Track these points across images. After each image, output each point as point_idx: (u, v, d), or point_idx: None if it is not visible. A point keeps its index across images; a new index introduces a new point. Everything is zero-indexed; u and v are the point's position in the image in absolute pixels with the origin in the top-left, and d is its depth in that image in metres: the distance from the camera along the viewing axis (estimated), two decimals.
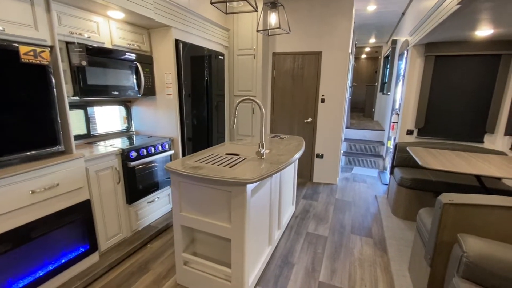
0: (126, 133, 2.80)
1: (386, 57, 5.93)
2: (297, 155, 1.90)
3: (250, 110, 3.53)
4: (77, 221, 1.79)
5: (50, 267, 1.65)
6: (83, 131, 2.40)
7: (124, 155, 2.12)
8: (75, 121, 2.33)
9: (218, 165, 1.60)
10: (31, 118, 1.53)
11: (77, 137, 2.33)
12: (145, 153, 2.29)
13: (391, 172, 3.14)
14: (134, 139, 2.54)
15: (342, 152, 4.26)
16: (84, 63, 1.89)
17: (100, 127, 2.60)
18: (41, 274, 1.59)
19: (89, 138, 2.43)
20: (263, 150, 1.74)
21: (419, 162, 2.10)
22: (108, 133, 2.62)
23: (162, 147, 2.50)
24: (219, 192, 1.51)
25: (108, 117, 2.70)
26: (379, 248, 2.23)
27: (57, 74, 1.67)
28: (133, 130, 2.88)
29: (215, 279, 1.64)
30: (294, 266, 1.99)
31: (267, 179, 1.82)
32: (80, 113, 2.37)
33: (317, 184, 3.76)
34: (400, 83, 3.89)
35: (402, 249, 2.19)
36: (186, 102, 2.74)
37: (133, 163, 2.17)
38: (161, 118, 2.71)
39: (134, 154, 2.19)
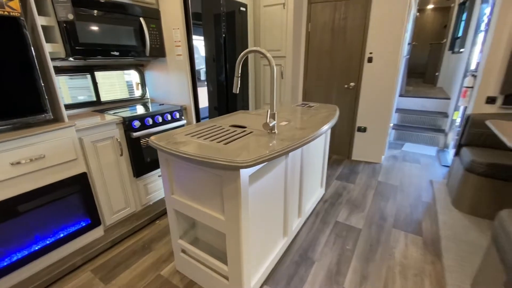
0: (140, 100, 2.59)
1: (463, 3, 4.61)
2: (324, 128, 1.43)
3: (278, 74, 3.03)
4: (74, 195, 1.66)
5: (47, 242, 1.57)
6: (91, 97, 2.24)
7: (126, 125, 1.90)
8: (80, 87, 2.16)
9: (212, 140, 1.24)
10: (6, 82, 1.34)
11: (85, 105, 2.18)
12: (150, 122, 2.04)
13: (457, 153, 2.44)
14: (147, 107, 2.32)
15: (391, 125, 3.54)
16: (70, 16, 1.62)
17: (111, 94, 2.42)
18: (36, 248, 1.52)
19: (99, 105, 2.27)
20: (273, 122, 1.31)
21: (507, 142, 1.45)
22: (120, 100, 2.44)
23: (172, 116, 2.23)
24: (209, 176, 1.17)
25: (119, 83, 2.51)
26: (431, 252, 1.72)
27: (35, 30, 1.43)
28: (148, 97, 2.66)
29: (213, 274, 1.38)
30: (314, 264, 1.63)
31: (281, 159, 1.42)
32: (86, 78, 2.19)
33: (356, 162, 3.21)
34: (481, 36, 2.92)
35: (465, 257, 1.65)
36: (200, 65, 2.37)
37: (136, 134, 1.94)
38: (173, 84, 2.41)
39: (137, 123, 1.95)
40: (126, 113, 2.04)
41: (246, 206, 1.14)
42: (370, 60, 2.87)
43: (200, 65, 2.43)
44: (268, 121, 1.29)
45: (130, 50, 2.04)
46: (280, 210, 1.57)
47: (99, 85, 2.27)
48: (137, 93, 2.60)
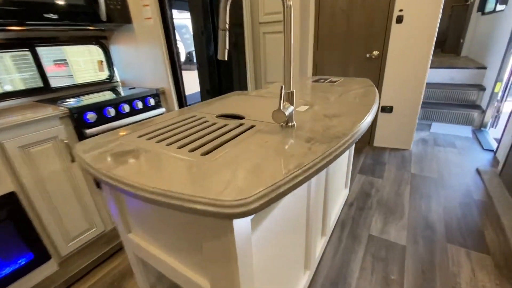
0: (106, 84, 2.02)
1: None
2: (372, 113, 0.88)
3: (281, 45, 2.41)
4: None
5: None
6: (36, 83, 1.67)
7: (75, 119, 1.35)
8: (14, 69, 1.58)
9: (183, 145, 0.69)
10: None
11: (24, 93, 1.61)
12: (112, 114, 1.49)
13: None
14: (116, 92, 1.75)
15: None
16: None
17: (65, 78, 1.84)
18: None
19: (48, 93, 1.70)
20: (291, 108, 0.75)
21: None
22: (79, 86, 1.86)
23: (144, 103, 1.66)
24: (180, 217, 0.63)
25: (78, 63, 1.92)
26: (509, 278, 1.23)
27: None
28: (117, 80, 2.08)
29: None
30: None
31: None
32: (24, 56, 1.61)
33: (380, 150, 2.67)
34: None
35: None
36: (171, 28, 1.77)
37: (91, 131, 1.39)
38: (144, 60, 1.82)
39: (91, 116, 1.40)
40: (82, 102, 1.48)
41: (246, 266, 0.61)
42: (399, 20, 2.24)
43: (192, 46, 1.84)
44: (282, 106, 0.72)
45: (77, 13, 1.45)
46: (300, 240, 1.05)
47: (45, 66, 1.69)
48: (102, 75, 2.02)
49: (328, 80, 1.57)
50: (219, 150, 0.64)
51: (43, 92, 1.69)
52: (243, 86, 2.66)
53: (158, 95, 1.76)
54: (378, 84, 2.50)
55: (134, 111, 1.61)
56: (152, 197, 0.49)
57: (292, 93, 0.74)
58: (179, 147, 0.68)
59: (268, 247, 0.76)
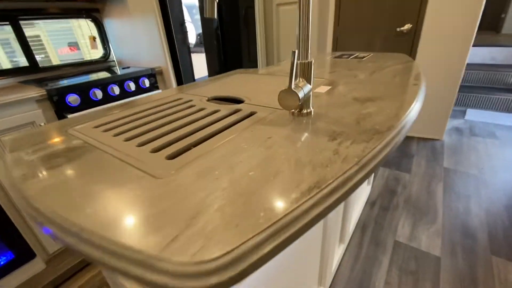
0: (101, 63, 1.83)
1: None
2: (419, 101, 0.62)
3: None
4: None
5: None
6: (22, 62, 1.50)
7: (55, 102, 1.17)
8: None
9: (143, 143, 0.48)
10: None
11: (8, 73, 1.45)
12: (99, 96, 1.30)
13: None
14: (112, 72, 1.56)
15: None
16: None
17: (58, 56, 1.67)
18: None
19: (35, 73, 1.54)
20: (307, 88, 0.51)
21: None
22: (71, 65, 1.68)
23: (138, 84, 1.46)
24: None
25: (69, 39, 1.73)
26: None
27: None
28: (113, 58, 1.88)
29: None
30: None
31: None
32: (5, 31, 1.43)
33: (407, 139, 2.37)
34: None
35: None
36: (174, 2, 1.53)
37: (74, 115, 1.21)
38: (139, 35, 1.60)
39: (74, 99, 1.21)
40: (64, 83, 1.29)
41: None
42: None
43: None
44: (293, 84, 0.48)
45: None
46: (315, 251, 0.84)
47: (31, 42, 1.51)
48: (96, 53, 1.82)
49: (354, 55, 1.29)
50: (196, 150, 0.43)
51: (31, 72, 1.53)
52: (253, 66, 2.40)
53: (154, 75, 1.55)
54: None
55: (125, 94, 1.42)
56: (59, 235, 0.28)
57: (310, 64, 0.50)
58: (140, 144, 0.47)
59: (273, 263, 0.56)
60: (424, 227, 1.39)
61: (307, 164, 0.36)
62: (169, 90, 0.89)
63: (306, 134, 0.46)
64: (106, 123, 0.59)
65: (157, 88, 1.57)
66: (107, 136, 0.51)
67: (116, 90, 1.36)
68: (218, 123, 0.55)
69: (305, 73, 0.51)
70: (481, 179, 1.74)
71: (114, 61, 1.88)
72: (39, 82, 1.37)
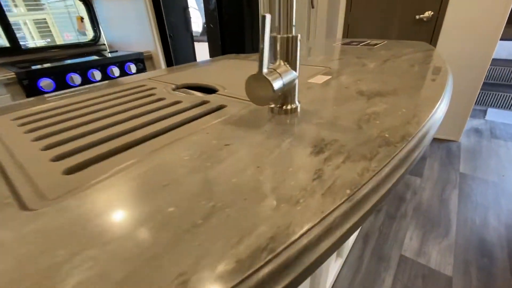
0: (90, 46, 1.70)
1: None
2: (446, 99, 0.46)
3: (306, 2, 1.92)
4: None
5: None
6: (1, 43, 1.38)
7: (26, 86, 1.05)
8: None
9: (54, 145, 0.34)
10: None
11: None
12: (77, 81, 1.17)
13: None
14: (102, 55, 1.43)
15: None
16: None
17: (45, 38, 1.55)
18: None
19: (17, 54, 1.42)
20: (289, 76, 0.36)
21: None
22: (57, 47, 1.56)
23: (123, 69, 1.33)
24: None
25: (57, 20, 1.61)
26: None
27: None
28: (104, 42, 1.75)
29: None
30: None
31: None
32: None
33: None
34: None
35: None
36: None
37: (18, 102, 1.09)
38: (129, 17, 1.46)
39: (46, 84, 1.09)
40: (37, 66, 1.17)
41: None
42: None
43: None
44: (265, 68, 0.33)
45: None
46: None
47: (11, 21, 1.39)
48: (85, 35, 1.69)
49: (365, 42, 1.11)
50: (112, 161, 0.29)
51: (13, 54, 1.41)
52: (256, 49, 2.24)
53: (142, 60, 1.41)
54: None
55: (108, 79, 1.29)
56: None
57: (293, 40, 0.35)
58: (47, 147, 0.34)
59: None
60: (434, 241, 1.24)
61: (267, 196, 0.22)
62: (141, 74, 0.76)
63: (281, 142, 0.32)
64: (32, 114, 0.46)
65: None
66: (17, 132, 0.38)
67: (97, 75, 1.23)
68: (172, 118, 0.41)
69: (288, 53, 0.36)
70: (502, 188, 1.56)
71: (104, 44, 1.75)
72: (16, 64, 1.26)
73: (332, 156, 0.28)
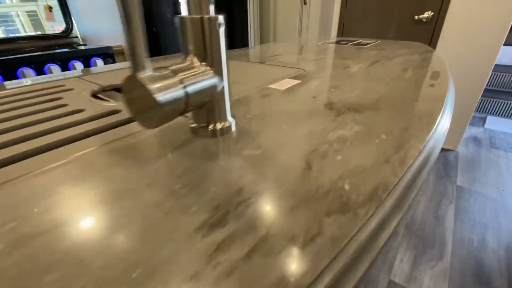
0: (61, 39, 1.55)
1: None
2: (447, 113, 0.34)
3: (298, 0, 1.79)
4: None
5: None
6: None
7: None
8: None
9: None
10: None
11: None
12: (29, 77, 1.03)
13: None
14: (74, 48, 1.29)
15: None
16: None
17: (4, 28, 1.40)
18: None
19: None
20: (199, 82, 0.23)
21: None
22: (18, 39, 1.42)
23: (88, 65, 1.19)
24: None
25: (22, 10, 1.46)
26: None
27: None
28: (77, 34, 1.61)
29: None
30: None
31: None
32: None
33: None
34: None
35: None
36: None
37: None
38: (100, 4, 1.33)
39: None
40: None
41: None
42: None
43: None
44: (148, 67, 0.20)
45: None
46: None
47: None
48: (54, 27, 1.55)
49: (356, 42, 0.98)
50: None
51: None
52: (245, 44, 2.11)
53: (111, 55, 1.28)
54: None
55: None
56: None
57: (211, 23, 0.22)
58: None
59: None
60: (427, 265, 1.12)
61: None
62: (74, 72, 0.62)
63: (166, 197, 0.19)
64: None
65: None
66: None
67: (55, 71, 1.10)
68: (54, 134, 0.28)
69: (206, 46, 0.23)
70: (502, 204, 1.45)
71: (77, 37, 1.61)
72: None
73: (232, 240, 0.15)
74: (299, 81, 0.47)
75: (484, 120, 2.49)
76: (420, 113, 0.33)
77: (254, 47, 0.96)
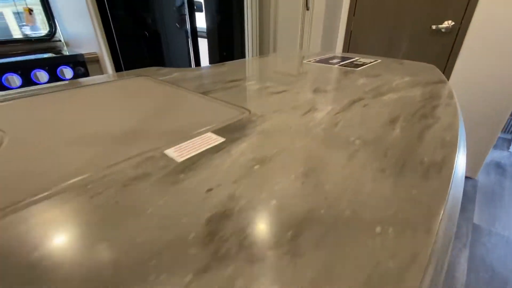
0: (44, 43, 1.47)
1: None
2: (444, 225, 0.17)
3: (299, 3, 1.63)
4: None
5: None
6: None
7: None
8: None
9: None
10: None
11: None
12: None
13: None
14: (60, 53, 1.20)
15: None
16: None
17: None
18: None
19: None
20: None
21: None
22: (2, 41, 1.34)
23: (54, 75, 1.09)
24: None
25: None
26: None
27: None
28: (60, 38, 1.52)
29: None
30: None
31: None
32: None
33: None
34: None
35: None
36: None
37: None
38: (73, 6, 1.22)
39: None
40: None
41: None
42: None
43: None
44: None
45: None
46: None
47: None
48: (36, 30, 1.47)
49: (349, 60, 0.81)
50: None
51: None
52: (238, 54, 1.96)
53: (83, 63, 1.16)
54: (445, 71, 1.61)
55: (32, 85, 1.04)
56: None
57: None
58: None
59: None
60: None
61: None
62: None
63: None
64: None
65: None
66: None
67: (16, 81, 0.99)
68: None
69: None
70: None
71: (61, 41, 1.52)
72: None
73: None
74: (222, 140, 0.32)
75: (509, 142, 2.22)
76: (391, 270, 0.17)
77: (228, 64, 0.80)
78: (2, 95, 0.51)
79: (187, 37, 1.61)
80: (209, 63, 2.07)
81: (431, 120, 0.38)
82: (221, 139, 0.32)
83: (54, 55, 1.14)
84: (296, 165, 0.27)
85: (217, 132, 0.34)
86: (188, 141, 0.32)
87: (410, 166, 0.28)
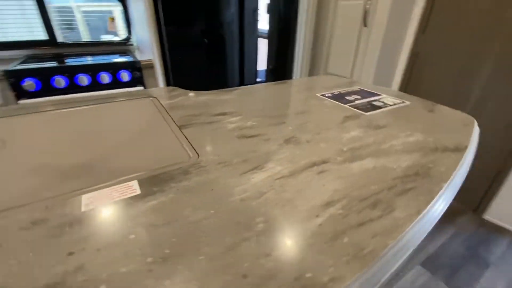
0: (120, 46, 1.75)
1: None
2: None
3: (358, 19, 1.51)
4: None
5: None
6: (38, 34, 1.54)
7: (12, 84, 1.11)
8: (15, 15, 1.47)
9: None
10: None
11: (25, 45, 1.50)
12: (62, 84, 1.19)
13: None
14: (130, 56, 1.46)
15: None
16: None
17: (74, 33, 1.67)
18: None
19: (53, 48, 1.57)
20: None
21: None
22: (87, 44, 1.66)
23: (115, 77, 1.30)
24: None
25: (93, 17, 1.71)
26: None
27: None
28: (134, 42, 1.78)
29: None
30: None
31: None
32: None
33: (493, 228, 1.49)
34: None
35: None
36: None
37: (25, 102, 1.14)
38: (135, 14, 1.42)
39: (29, 84, 1.13)
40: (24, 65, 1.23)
41: None
42: None
43: None
44: None
45: None
46: None
47: (51, 15, 1.52)
48: (117, 35, 1.75)
49: (370, 99, 0.72)
50: None
51: (47, 45, 1.56)
52: (289, 74, 1.93)
53: (139, 68, 1.34)
54: None
55: (98, 85, 1.27)
56: None
57: None
58: None
59: None
60: None
61: None
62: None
63: None
64: None
65: (140, 83, 1.37)
66: None
67: (85, 80, 1.22)
68: None
69: None
70: None
71: (133, 45, 1.78)
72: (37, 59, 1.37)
73: None
74: (137, 194, 0.34)
75: None
76: None
77: (240, 90, 0.81)
78: None
79: (255, 41, 1.64)
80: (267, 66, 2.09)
81: (377, 212, 0.32)
82: (137, 192, 0.34)
83: (119, 59, 1.34)
84: (161, 247, 0.27)
85: (144, 181, 0.36)
86: (110, 188, 0.35)
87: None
